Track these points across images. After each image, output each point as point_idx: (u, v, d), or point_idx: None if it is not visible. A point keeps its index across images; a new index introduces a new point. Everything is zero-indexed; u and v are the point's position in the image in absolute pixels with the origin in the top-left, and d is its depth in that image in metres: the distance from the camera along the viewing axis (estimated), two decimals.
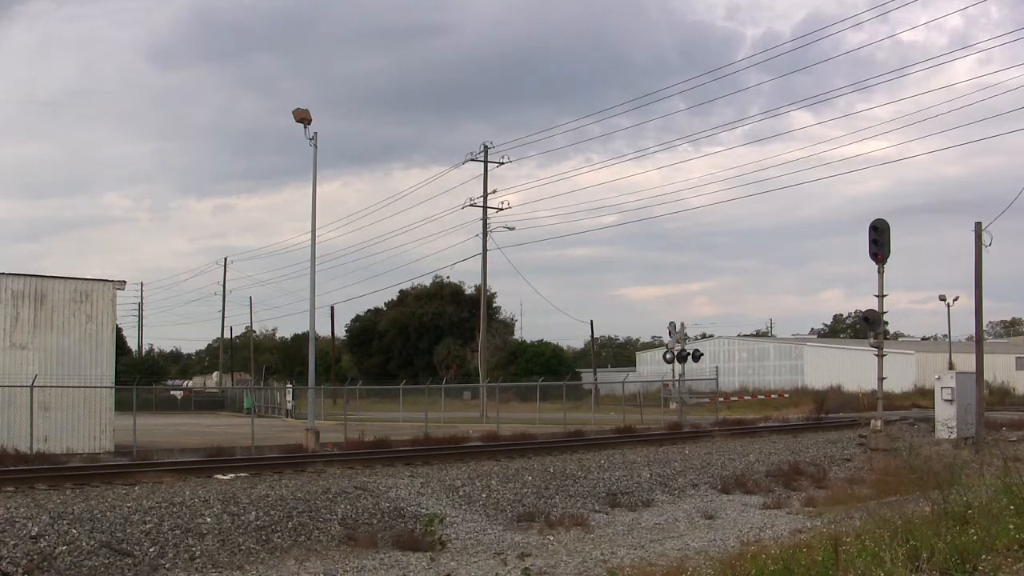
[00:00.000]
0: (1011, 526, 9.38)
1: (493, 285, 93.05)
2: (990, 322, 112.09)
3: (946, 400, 31.19)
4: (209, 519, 16.28)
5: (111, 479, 19.54)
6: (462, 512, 19.19)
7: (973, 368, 32.26)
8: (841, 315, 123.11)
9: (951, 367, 47.63)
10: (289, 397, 59.21)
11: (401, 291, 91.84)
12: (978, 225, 30.22)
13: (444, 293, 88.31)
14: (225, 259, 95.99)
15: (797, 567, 9.09)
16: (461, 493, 20.35)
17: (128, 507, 16.32)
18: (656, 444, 29.33)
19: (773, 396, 58.99)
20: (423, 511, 18.48)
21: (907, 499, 16.97)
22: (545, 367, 71.54)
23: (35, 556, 14.01)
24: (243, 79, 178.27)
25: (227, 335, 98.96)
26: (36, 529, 14.72)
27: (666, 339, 48.99)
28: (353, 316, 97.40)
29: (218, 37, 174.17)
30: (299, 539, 16.44)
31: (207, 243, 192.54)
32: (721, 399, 50.44)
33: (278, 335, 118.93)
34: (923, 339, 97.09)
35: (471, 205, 60.35)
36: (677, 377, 45.57)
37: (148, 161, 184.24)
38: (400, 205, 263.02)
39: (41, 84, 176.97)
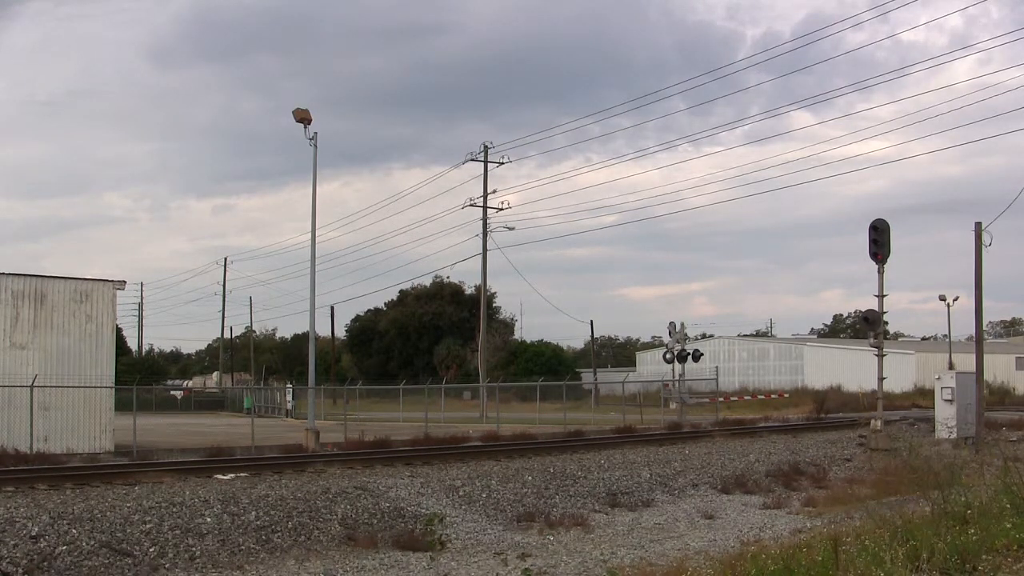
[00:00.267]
0: (1008, 524, 9.39)
1: (493, 285, 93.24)
2: (990, 322, 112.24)
3: (946, 400, 31.20)
4: (209, 519, 16.28)
5: (111, 479, 19.54)
6: (462, 512, 19.19)
7: (973, 368, 32.27)
8: (841, 315, 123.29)
9: (951, 367, 47.63)
10: (289, 397, 59.21)
11: (401, 291, 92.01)
12: (978, 225, 30.23)
13: (444, 293, 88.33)
14: (225, 259, 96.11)
15: (797, 567, 9.09)
16: (461, 493, 20.35)
17: (128, 507, 16.31)
18: (656, 444, 29.33)
19: (773, 396, 58.96)
20: (423, 511, 18.48)
21: (907, 499, 16.98)
22: (545, 367, 71.56)
23: (35, 556, 14.01)
24: (243, 79, 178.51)
25: (227, 335, 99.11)
26: (36, 529, 14.72)
27: (666, 339, 49.02)
28: (353, 316, 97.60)
29: (218, 37, 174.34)
30: (299, 539, 16.43)
31: (207, 243, 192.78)
32: (721, 399, 50.43)
33: (278, 335, 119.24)
34: (923, 339, 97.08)
35: (471, 205, 60.43)
36: (677, 377, 45.59)
37: (148, 161, 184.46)
38: (400, 205, 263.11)
39: (41, 84, 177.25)
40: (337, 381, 73.40)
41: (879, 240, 28.88)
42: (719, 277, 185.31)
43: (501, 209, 59.81)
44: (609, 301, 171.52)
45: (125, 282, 31.91)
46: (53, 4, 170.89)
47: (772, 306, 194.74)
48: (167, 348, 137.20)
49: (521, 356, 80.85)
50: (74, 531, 14.90)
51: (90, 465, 22.39)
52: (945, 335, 71.13)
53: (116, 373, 31.18)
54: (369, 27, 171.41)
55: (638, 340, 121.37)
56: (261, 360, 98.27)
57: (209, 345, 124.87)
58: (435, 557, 15.69)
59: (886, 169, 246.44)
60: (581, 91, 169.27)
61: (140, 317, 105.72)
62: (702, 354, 48.71)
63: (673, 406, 45.33)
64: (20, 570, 13.64)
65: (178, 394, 79.03)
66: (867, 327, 30.93)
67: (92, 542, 14.71)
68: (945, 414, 31.15)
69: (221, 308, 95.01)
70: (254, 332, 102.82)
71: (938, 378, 32.91)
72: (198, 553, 15.16)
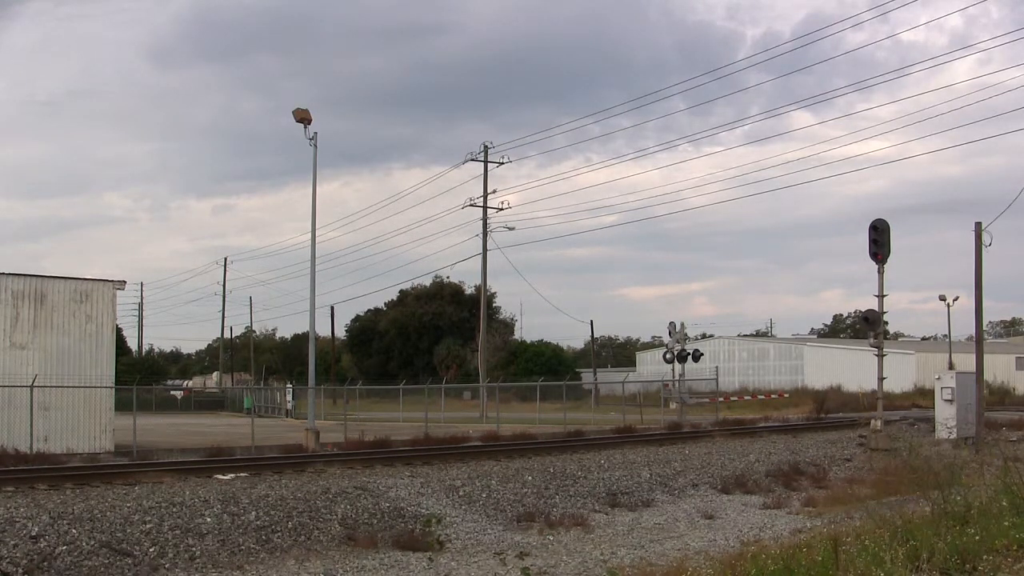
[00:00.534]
0: (1008, 524, 9.39)
1: (493, 285, 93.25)
2: (990, 322, 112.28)
3: (946, 400, 31.19)
4: (209, 519, 16.28)
5: (111, 479, 19.54)
6: (462, 512, 19.19)
7: (973, 368, 32.27)
8: (841, 315, 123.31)
9: (951, 367, 47.62)
10: (289, 397, 59.22)
11: (401, 291, 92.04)
12: (978, 225, 30.23)
13: (444, 293, 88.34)
14: (225, 259, 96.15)
15: (797, 567, 9.09)
16: (461, 493, 20.35)
17: (128, 507, 16.31)
18: (656, 444, 29.33)
19: (773, 396, 58.97)
20: (423, 511, 18.49)
21: (907, 499, 16.98)
22: (545, 367, 71.57)
23: (35, 556, 14.01)
24: (243, 79, 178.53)
25: (227, 335, 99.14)
26: (36, 529, 14.72)
27: (666, 339, 49.03)
28: (353, 316, 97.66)
29: (218, 37, 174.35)
30: (299, 539, 16.43)
31: (207, 243, 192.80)
32: (721, 399, 50.44)
33: (278, 335, 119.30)
34: (923, 339, 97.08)
35: (471, 205, 60.45)
36: (677, 377, 45.60)
37: (148, 161, 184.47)
38: (400, 205, 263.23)
39: (41, 84, 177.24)
40: (337, 381, 73.42)
41: (879, 240, 28.88)
42: (719, 277, 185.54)
43: (501, 209, 59.93)
44: (609, 301, 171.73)
45: (125, 282, 31.94)
46: (53, 4, 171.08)
47: (772, 306, 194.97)
48: (167, 348, 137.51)
49: (521, 356, 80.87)
50: (74, 531, 14.90)
51: (90, 465, 22.39)
52: (945, 335, 71.24)
53: (116, 373, 31.19)
54: (369, 27, 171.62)
55: (638, 340, 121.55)
56: (261, 360, 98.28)
57: (209, 345, 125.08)
58: (435, 557, 15.69)
59: (886, 169, 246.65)
60: (581, 91, 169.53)
61: (140, 317, 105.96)
62: (702, 354, 48.72)
63: (673, 406, 45.33)
64: (20, 570, 13.64)
65: (178, 394, 79.05)
66: (867, 327, 30.93)
67: (92, 542, 14.71)
68: (945, 414, 31.15)
69: (221, 308, 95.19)
70: (254, 332, 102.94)
71: (938, 378, 32.91)
72: (198, 553, 15.16)
